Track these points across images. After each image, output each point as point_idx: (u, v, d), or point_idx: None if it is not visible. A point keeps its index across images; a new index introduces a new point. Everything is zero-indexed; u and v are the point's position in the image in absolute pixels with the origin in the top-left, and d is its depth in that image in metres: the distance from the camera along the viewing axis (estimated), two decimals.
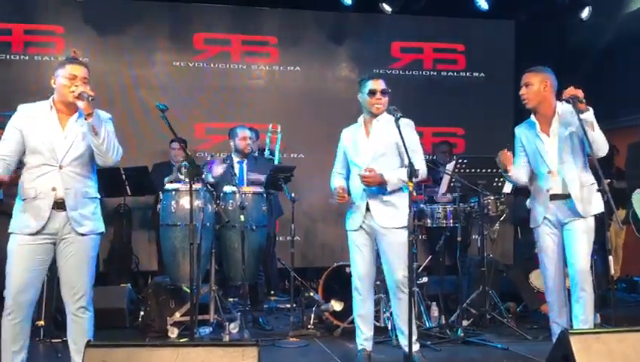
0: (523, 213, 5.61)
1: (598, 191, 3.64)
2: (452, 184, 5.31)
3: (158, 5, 7.43)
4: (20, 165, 3.36)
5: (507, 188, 5.43)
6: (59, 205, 3.27)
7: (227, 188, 5.21)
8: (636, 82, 6.82)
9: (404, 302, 3.76)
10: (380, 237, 4.00)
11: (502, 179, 5.25)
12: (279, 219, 6.51)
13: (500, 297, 5.49)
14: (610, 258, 3.64)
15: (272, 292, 6.38)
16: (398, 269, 3.91)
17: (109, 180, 5.94)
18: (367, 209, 4.00)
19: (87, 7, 7.11)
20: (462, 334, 4.84)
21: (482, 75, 8.06)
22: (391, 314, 4.82)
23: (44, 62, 7.00)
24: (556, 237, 3.98)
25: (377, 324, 4.59)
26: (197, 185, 4.54)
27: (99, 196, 3.50)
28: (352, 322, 4.85)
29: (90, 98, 3.19)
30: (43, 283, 4.11)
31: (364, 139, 4.09)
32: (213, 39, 7.55)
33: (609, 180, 4.51)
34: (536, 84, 3.95)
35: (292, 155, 7.25)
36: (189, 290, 4.53)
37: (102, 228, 3.46)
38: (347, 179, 4.22)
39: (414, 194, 3.73)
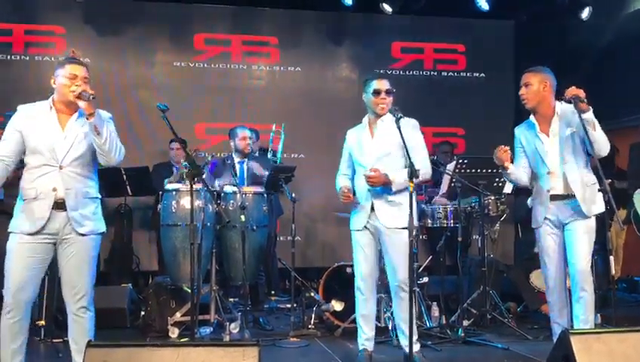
0: (523, 213, 5.63)
1: (600, 191, 3.64)
2: (452, 184, 5.31)
3: (159, 6, 7.43)
4: (21, 165, 3.36)
5: (508, 188, 5.43)
6: (59, 205, 3.27)
7: (228, 189, 5.22)
8: (637, 82, 6.81)
9: (406, 302, 3.76)
10: (384, 238, 4.00)
11: (502, 180, 5.25)
12: (279, 219, 6.51)
13: (500, 297, 5.49)
14: (611, 258, 3.64)
15: (273, 292, 6.39)
16: (401, 269, 3.91)
17: (109, 180, 5.94)
18: (372, 209, 4.01)
19: (87, 8, 7.13)
20: (462, 334, 4.84)
21: (482, 75, 8.06)
22: (392, 314, 4.83)
23: (45, 63, 7.01)
24: (557, 237, 3.97)
25: (378, 324, 4.58)
26: (197, 186, 4.53)
27: (99, 196, 3.50)
28: (353, 322, 4.86)
29: (91, 97, 3.19)
30: (44, 283, 4.12)
31: (369, 139, 4.09)
32: (214, 39, 7.56)
33: (610, 180, 4.52)
34: (536, 84, 3.94)
35: (292, 155, 7.25)
36: (189, 290, 4.53)
37: (102, 228, 3.46)
38: (352, 179, 4.21)
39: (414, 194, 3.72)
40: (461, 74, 8.04)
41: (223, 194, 5.20)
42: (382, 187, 3.94)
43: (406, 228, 3.71)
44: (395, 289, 4.00)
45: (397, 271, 3.95)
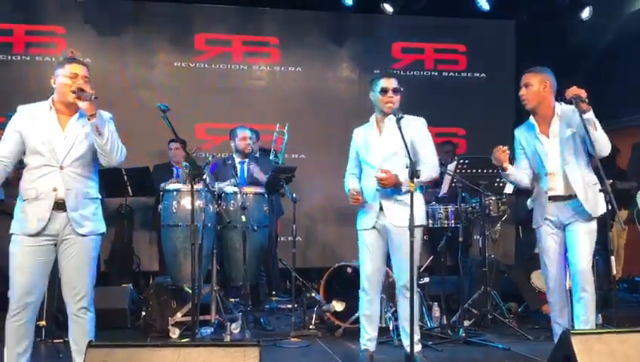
0: (524, 214, 5.62)
1: (601, 191, 3.63)
2: (453, 185, 5.30)
3: (159, 6, 7.44)
4: (21, 166, 3.36)
5: (508, 188, 5.43)
6: (59, 206, 3.26)
7: (228, 189, 5.22)
8: (637, 82, 6.81)
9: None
10: (391, 236, 3.97)
11: (503, 180, 5.24)
12: (280, 219, 6.51)
13: (501, 297, 5.49)
14: (612, 258, 3.64)
15: (274, 292, 6.39)
16: (407, 269, 3.89)
17: (110, 181, 5.94)
18: (381, 208, 3.98)
19: (88, 8, 7.13)
20: (463, 334, 4.84)
21: (483, 75, 8.07)
22: (392, 314, 4.83)
23: (46, 63, 7.01)
24: (558, 237, 3.97)
25: (379, 325, 4.58)
26: (198, 186, 4.53)
27: (100, 197, 3.49)
28: (354, 322, 4.87)
29: (93, 98, 3.19)
30: None
31: (377, 137, 4.06)
32: (214, 40, 7.56)
33: (611, 180, 4.52)
34: (536, 85, 3.94)
35: (293, 156, 7.24)
36: (190, 291, 4.52)
37: (103, 228, 3.46)
38: (359, 178, 4.19)
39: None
40: (462, 74, 8.04)
41: (223, 195, 5.20)
42: (392, 188, 3.92)
43: (414, 227, 3.68)
44: (400, 289, 3.98)
45: (403, 270, 3.91)
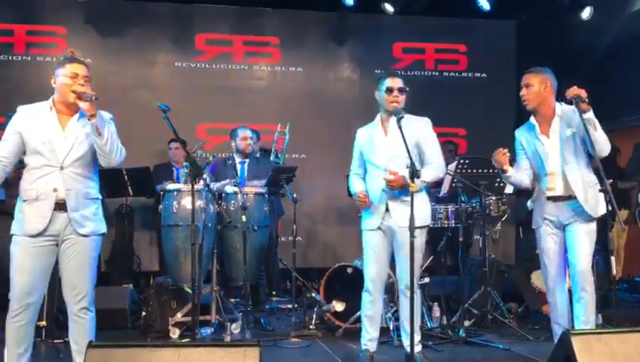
0: (524, 214, 5.62)
1: (601, 191, 3.63)
2: (454, 185, 5.30)
3: (160, 6, 7.44)
4: (21, 166, 3.36)
5: (509, 188, 5.42)
6: (60, 206, 3.26)
7: (229, 189, 5.22)
8: (637, 82, 6.81)
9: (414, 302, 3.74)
10: (397, 237, 3.96)
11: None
12: (281, 219, 6.51)
13: (501, 297, 5.49)
14: (612, 258, 3.64)
15: (274, 292, 6.39)
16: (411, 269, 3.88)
17: (110, 181, 5.95)
18: (387, 209, 3.97)
19: (88, 8, 7.13)
20: (463, 334, 4.84)
21: (484, 75, 8.06)
22: (392, 314, 4.83)
23: (46, 63, 7.02)
24: (557, 237, 3.97)
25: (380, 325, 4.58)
26: (199, 186, 4.53)
27: (100, 197, 3.49)
28: (354, 322, 4.87)
29: (93, 98, 3.18)
30: None
31: (382, 137, 4.03)
32: (215, 40, 7.56)
33: (611, 180, 4.52)
34: (537, 85, 3.94)
35: (293, 156, 7.24)
36: (190, 291, 4.53)
37: (103, 228, 3.45)
38: (363, 178, 4.17)
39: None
40: (462, 74, 8.04)
41: (224, 195, 5.20)
42: (399, 189, 3.90)
43: (420, 228, 3.68)
44: (403, 290, 3.98)
45: (407, 270, 3.90)
